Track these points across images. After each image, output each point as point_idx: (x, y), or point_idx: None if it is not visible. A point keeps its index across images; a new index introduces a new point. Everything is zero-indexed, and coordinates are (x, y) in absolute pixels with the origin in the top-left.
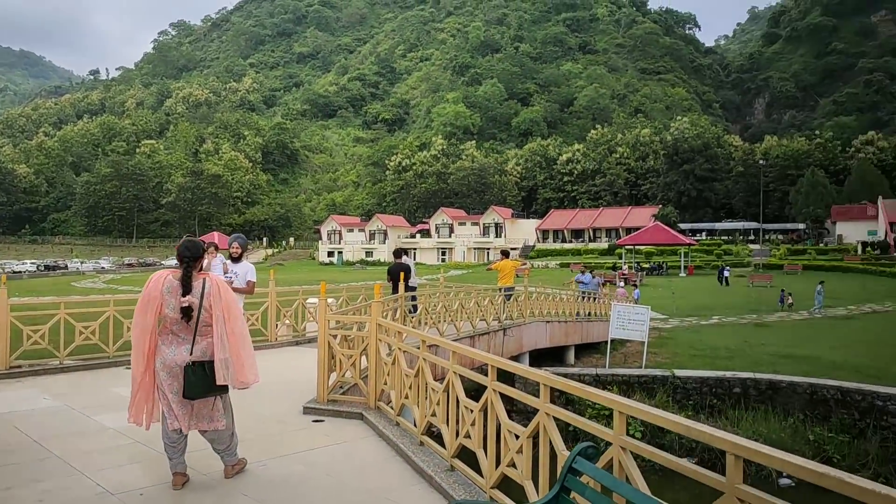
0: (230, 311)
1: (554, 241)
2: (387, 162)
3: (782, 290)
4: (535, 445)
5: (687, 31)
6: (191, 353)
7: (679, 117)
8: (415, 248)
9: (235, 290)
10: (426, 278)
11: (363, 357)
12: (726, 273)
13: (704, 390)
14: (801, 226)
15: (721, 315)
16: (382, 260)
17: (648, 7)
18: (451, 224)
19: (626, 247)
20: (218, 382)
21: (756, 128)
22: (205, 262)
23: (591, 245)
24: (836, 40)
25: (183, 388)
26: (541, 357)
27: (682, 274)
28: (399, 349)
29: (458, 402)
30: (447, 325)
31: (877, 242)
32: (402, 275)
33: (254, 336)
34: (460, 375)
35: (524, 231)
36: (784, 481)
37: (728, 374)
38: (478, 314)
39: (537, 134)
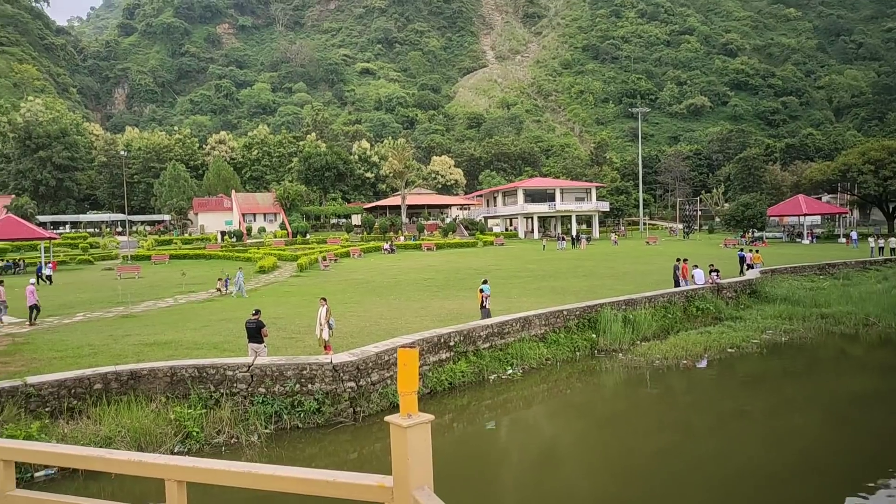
0: None
1: None
2: None
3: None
4: None
5: (34, 4)
6: None
7: (30, 97)
8: None
9: None
10: None
11: None
12: (45, 271)
13: (63, 393)
14: (167, 217)
15: (86, 311)
16: None
17: None
18: None
19: None
20: None
21: (118, 118)
22: None
23: None
24: (189, 43)
25: None
26: None
27: (47, 270)
28: None
29: None
30: None
31: (233, 231)
32: None
33: None
34: None
35: None
36: (39, 474)
37: (88, 371)
38: None
39: None
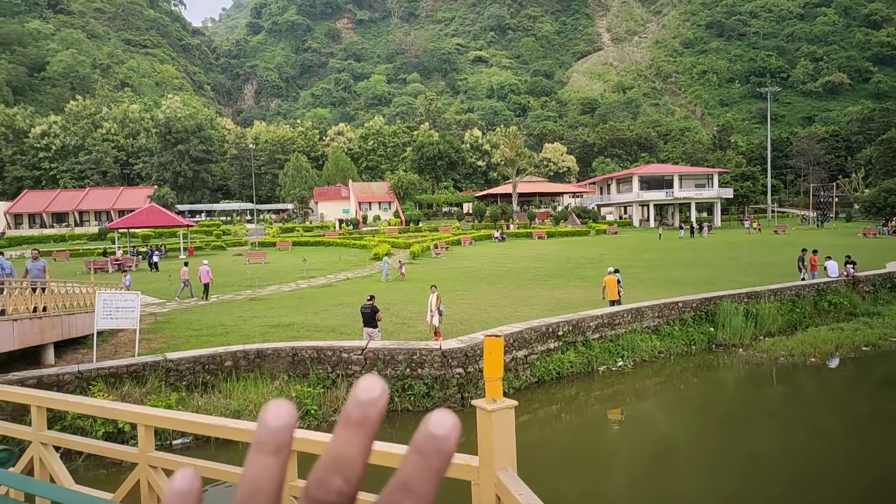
0: None
1: (31, 227)
2: None
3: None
4: None
5: (173, 7)
6: None
7: (170, 95)
8: None
9: None
10: None
11: None
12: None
13: (197, 369)
14: (290, 206)
15: (219, 293)
16: None
17: None
18: None
19: (120, 230)
20: None
21: (247, 112)
22: None
23: (79, 230)
24: (311, 39)
25: None
26: (12, 361)
27: (183, 256)
28: None
29: None
30: None
31: (349, 220)
32: None
33: None
34: None
35: None
36: (177, 442)
37: (220, 349)
38: None
39: None
